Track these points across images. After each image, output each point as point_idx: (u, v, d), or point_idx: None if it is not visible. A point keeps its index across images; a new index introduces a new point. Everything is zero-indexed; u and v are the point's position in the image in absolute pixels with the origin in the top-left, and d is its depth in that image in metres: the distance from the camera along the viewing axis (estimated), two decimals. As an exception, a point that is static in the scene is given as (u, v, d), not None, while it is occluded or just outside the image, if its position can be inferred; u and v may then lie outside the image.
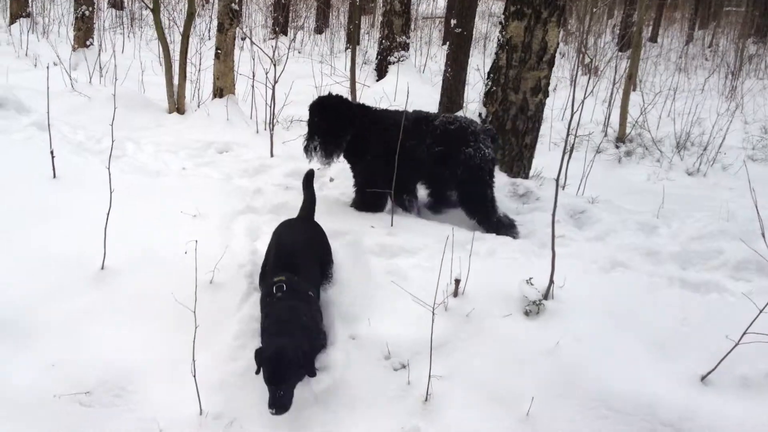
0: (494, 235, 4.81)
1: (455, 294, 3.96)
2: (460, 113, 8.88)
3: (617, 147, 8.24)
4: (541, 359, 3.60)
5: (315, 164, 4.97)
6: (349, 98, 7.83)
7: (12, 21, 14.97)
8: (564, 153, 3.98)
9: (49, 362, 3.40)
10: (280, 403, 3.18)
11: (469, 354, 3.68)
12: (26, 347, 3.48)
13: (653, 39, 21.76)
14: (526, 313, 3.88)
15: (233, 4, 7.88)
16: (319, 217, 4.30)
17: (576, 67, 7.42)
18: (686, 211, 5.41)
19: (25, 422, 3.18)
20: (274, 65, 6.43)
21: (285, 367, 3.20)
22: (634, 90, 10.92)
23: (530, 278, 3.95)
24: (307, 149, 4.97)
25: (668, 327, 3.82)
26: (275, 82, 6.21)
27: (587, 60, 13.65)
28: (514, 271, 4.18)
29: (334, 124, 4.88)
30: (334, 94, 5.05)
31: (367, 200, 5.04)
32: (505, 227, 4.95)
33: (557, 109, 9.57)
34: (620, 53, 13.87)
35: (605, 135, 8.61)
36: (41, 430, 3.17)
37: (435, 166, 4.94)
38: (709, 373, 3.46)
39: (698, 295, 4.19)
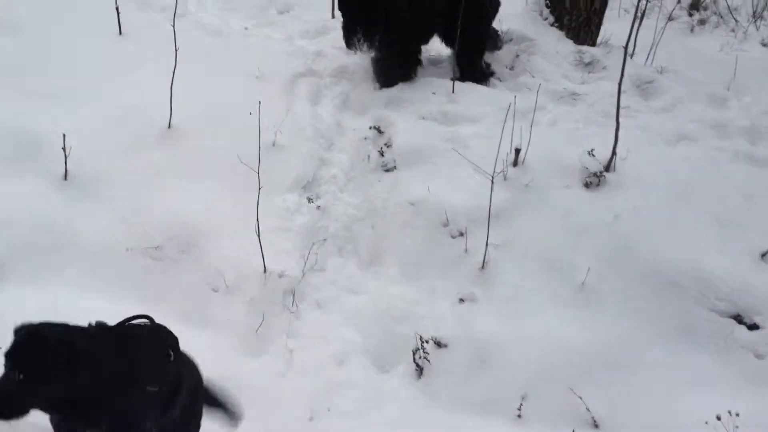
0: (556, 105, 4.68)
1: (515, 163, 3.96)
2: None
3: (690, 15, 7.80)
4: (598, 231, 3.62)
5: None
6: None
7: None
8: (634, 19, 3.83)
9: (120, 217, 3.54)
10: None
11: (526, 224, 3.72)
12: (98, 202, 3.60)
13: None
14: (586, 185, 3.88)
15: None
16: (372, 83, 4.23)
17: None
18: (760, 84, 5.19)
19: (100, 272, 3.35)
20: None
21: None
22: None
23: (592, 149, 3.92)
24: (349, 42, 4.62)
25: (731, 203, 3.79)
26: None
27: None
28: (576, 141, 4.14)
29: (374, 9, 4.51)
30: None
31: (398, 61, 4.79)
32: (486, 75, 4.99)
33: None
34: None
35: (678, 2, 8.16)
36: (115, 280, 3.34)
37: (452, 11, 4.69)
38: (771, 250, 3.45)
39: (765, 171, 4.09)
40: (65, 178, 3.63)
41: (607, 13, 5.70)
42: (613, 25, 6.16)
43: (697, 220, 3.67)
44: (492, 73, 5.02)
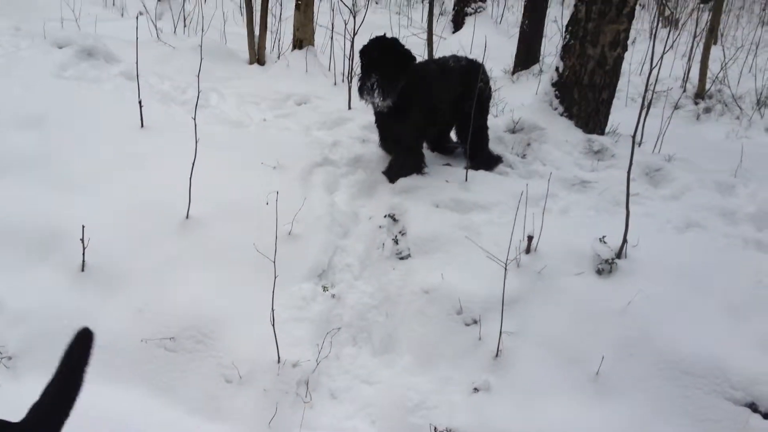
0: (567, 193, 4.79)
1: (527, 251, 4.01)
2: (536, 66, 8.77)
3: (696, 103, 7.98)
4: (612, 318, 3.63)
5: (376, 105, 4.64)
6: (426, 51, 7.87)
7: (98, -31, 15.28)
8: (642, 109, 3.93)
9: (136, 308, 3.59)
10: None
11: (540, 311, 3.73)
12: (116, 293, 3.66)
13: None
14: (599, 272, 3.90)
15: (314, -45, 7.90)
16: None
17: (656, 19, 7.14)
18: (765, 170, 5.26)
19: (115, 364, 3.40)
20: (354, 16, 6.46)
21: None
22: (715, 44, 10.53)
23: (603, 236, 3.96)
24: (362, 89, 4.55)
25: (742, 289, 3.79)
26: (354, 33, 6.24)
27: (667, 12, 13.18)
28: (588, 229, 4.19)
29: (392, 62, 4.54)
30: (387, 35, 4.76)
31: (414, 161, 4.87)
32: (495, 160, 5.13)
33: (635, 64, 9.32)
34: (702, 5, 13.33)
35: (684, 91, 8.36)
36: (129, 371, 3.39)
37: (457, 103, 4.98)
38: (784, 337, 3.44)
39: (775, 258, 4.12)
40: (83, 269, 3.71)
41: (615, 102, 5.85)
42: (621, 114, 6.32)
43: (709, 306, 3.67)
44: (500, 159, 5.15)
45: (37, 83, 5.26)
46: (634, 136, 3.93)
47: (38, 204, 4.03)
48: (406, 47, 4.67)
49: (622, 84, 7.58)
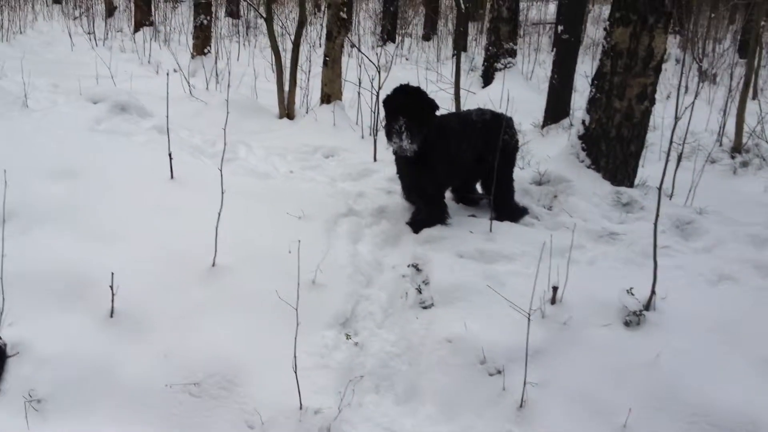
0: (595, 244, 4.76)
1: (553, 301, 3.97)
2: (566, 120, 8.79)
3: (732, 157, 7.91)
4: (640, 371, 3.56)
5: (404, 149, 4.65)
6: (453, 105, 7.96)
7: (136, 29, 15.81)
8: (667, 160, 3.92)
9: (162, 353, 3.61)
10: None
11: (565, 362, 3.68)
12: (141, 338, 3.69)
13: (779, 46, 20.70)
14: (626, 324, 3.85)
15: (341, 13, 8.09)
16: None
17: (686, 72, 7.16)
18: (802, 224, 5.18)
19: (138, 410, 3.39)
20: (379, 72, 6.58)
21: None
22: (753, 98, 10.47)
23: (631, 288, 3.91)
24: (389, 133, 4.63)
25: (775, 343, 3.71)
26: (379, 88, 6.35)
27: (704, 67, 13.20)
28: (615, 280, 4.14)
29: (418, 107, 4.64)
30: (417, 86, 4.83)
31: (438, 212, 4.91)
32: (521, 212, 5.16)
33: (670, 118, 9.29)
34: (740, 60, 13.34)
35: (720, 144, 8.30)
36: (153, 418, 3.38)
37: (483, 155, 5.01)
38: (818, 392, 3.34)
39: (808, 312, 4.02)
40: (111, 315, 3.74)
41: (648, 155, 5.84)
42: (654, 167, 6.29)
43: (740, 360, 3.59)
44: (527, 211, 5.17)
45: (71, 137, 5.42)
46: (660, 187, 3.91)
47: (68, 252, 4.10)
48: (429, 96, 4.77)
49: (655, 138, 7.60)
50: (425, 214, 4.90)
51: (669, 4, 5.26)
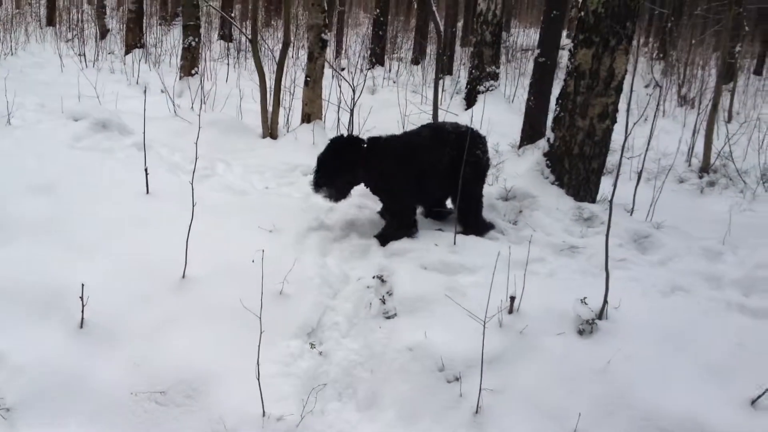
0: (556, 257, 4.91)
1: (510, 311, 4.10)
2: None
3: (700, 177, 8.13)
4: (591, 377, 3.68)
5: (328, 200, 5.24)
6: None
7: (127, 51, 15.99)
8: (617, 176, 4.09)
9: (132, 362, 3.73)
10: None
11: (521, 369, 3.79)
12: (111, 348, 3.80)
13: (758, 72, 21.07)
14: (580, 332, 3.98)
15: (323, 35, 8.29)
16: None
17: (664, 96, 7.37)
18: (757, 238, 5.35)
19: (106, 418, 3.51)
20: (353, 90, 6.76)
21: None
22: (729, 122, 10.68)
23: (584, 298, 4.05)
24: (315, 186, 5.19)
25: (723, 351, 3.84)
26: (353, 106, 6.53)
27: (683, 91, 13.47)
28: (571, 291, 4.27)
29: (339, 166, 5.12)
30: (346, 135, 5.38)
31: (405, 225, 5.16)
32: (487, 227, 5.34)
33: (643, 138, 9.48)
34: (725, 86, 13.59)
35: (689, 165, 8.51)
36: (119, 425, 3.50)
37: (452, 171, 5.15)
38: (760, 396, 3.47)
39: (757, 321, 4.18)
40: (81, 326, 3.86)
41: (621, 175, 6.00)
42: (626, 187, 6.45)
43: (689, 367, 3.72)
44: (492, 226, 5.33)
45: (51, 153, 5.56)
46: (611, 200, 4.07)
47: (44, 265, 4.22)
48: (360, 141, 5.20)
49: (628, 158, 7.78)
50: (392, 228, 5.11)
51: (630, 27, 5.46)
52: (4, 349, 3.69)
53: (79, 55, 14.48)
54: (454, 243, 4.85)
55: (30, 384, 3.56)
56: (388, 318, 4.25)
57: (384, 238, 5.07)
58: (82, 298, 3.77)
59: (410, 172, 5.08)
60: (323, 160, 5.18)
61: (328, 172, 5.14)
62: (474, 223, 5.26)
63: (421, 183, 5.14)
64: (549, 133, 5.92)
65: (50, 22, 20.96)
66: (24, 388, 3.54)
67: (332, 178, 5.13)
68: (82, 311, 3.83)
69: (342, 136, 5.32)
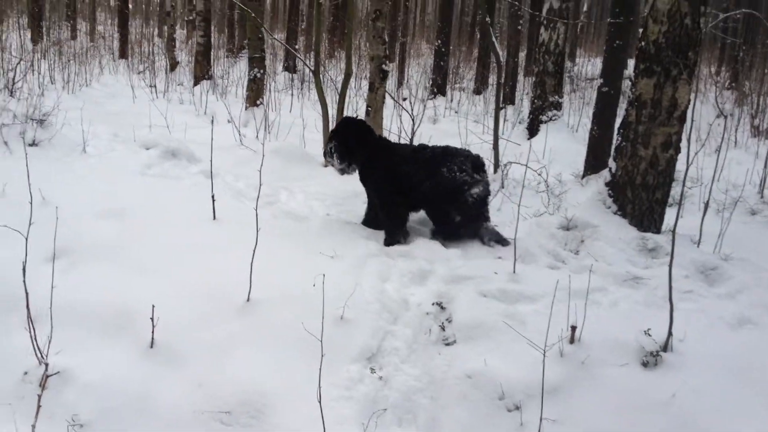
0: (618, 287, 4.86)
1: (571, 340, 4.07)
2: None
3: (774, 209, 7.90)
4: (655, 409, 3.63)
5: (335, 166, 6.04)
6: (492, 155, 8.17)
7: (196, 82, 16.46)
8: (680, 205, 4.04)
9: (197, 382, 3.80)
10: None
11: (582, 400, 3.76)
12: (178, 368, 3.89)
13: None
14: (643, 364, 3.92)
15: (384, 66, 8.43)
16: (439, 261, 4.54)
17: (735, 127, 7.21)
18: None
19: (173, 434, 3.58)
20: (413, 120, 6.85)
21: None
22: (802, 152, 10.38)
23: (648, 329, 4.00)
24: (325, 153, 6.04)
25: (792, 385, 3.75)
26: (412, 135, 6.61)
27: (756, 122, 13.16)
28: (634, 322, 4.22)
29: (349, 134, 5.90)
30: (358, 118, 6.20)
31: (395, 224, 5.74)
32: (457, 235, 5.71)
33: (712, 169, 9.28)
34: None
35: (761, 197, 8.29)
36: (187, 443, 3.57)
37: (425, 189, 5.70)
38: (832, 434, 3.38)
39: (830, 356, 4.05)
40: (151, 346, 3.97)
41: (688, 206, 5.92)
42: (692, 217, 6.36)
43: (756, 401, 3.63)
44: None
45: (122, 179, 5.77)
46: (674, 230, 4.03)
47: (114, 286, 4.37)
48: (366, 125, 6.05)
49: (695, 189, 7.66)
50: (388, 228, 5.75)
51: (692, 57, 5.42)
52: (76, 367, 3.79)
53: (150, 86, 14.97)
54: (514, 271, 4.84)
55: (100, 401, 3.65)
56: (448, 344, 4.27)
57: (387, 241, 5.65)
58: (152, 318, 3.88)
59: (391, 176, 5.73)
60: (335, 134, 6.00)
61: (337, 146, 5.92)
62: (441, 231, 5.79)
63: (399, 189, 5.73)
64: (611, 163, 5.88)
65: (123, 55, 21.74)
66: (95, 405, 3.63)
67: (341, 153, 5.92)
68: (152, 332, 3.94)
69: (356, 118, 6.21)
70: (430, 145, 6.02)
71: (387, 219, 5.78)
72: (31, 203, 3.93)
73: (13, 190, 5.14)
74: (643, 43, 5.62)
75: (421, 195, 5.71)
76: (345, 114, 8.66)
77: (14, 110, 7.07)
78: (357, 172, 6.08)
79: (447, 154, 5.77)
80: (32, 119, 7.03)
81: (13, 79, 9.34)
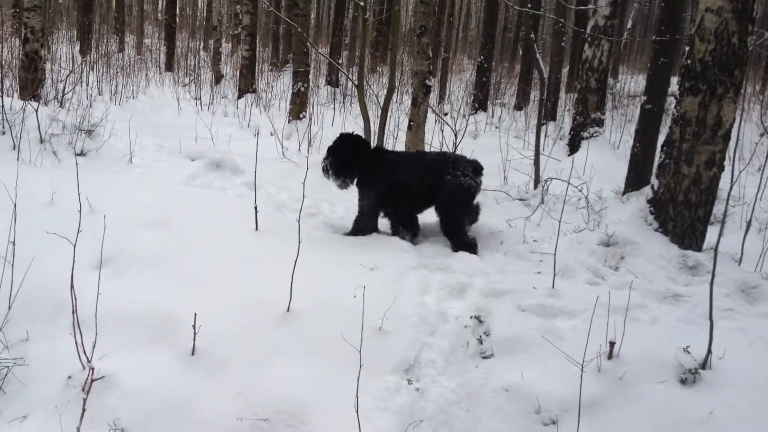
0: (658, 304, 4.84)
1: (609, 356, 4.07)
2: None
3: (822, 229, 7.77)
4: (693, 427, 3.61)
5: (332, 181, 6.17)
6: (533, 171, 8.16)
7: (240, 95, 16.74)
8: (722, 224, 4.02)
9: (237, 391, 3.88)
10: None
11: (620, 415, 3.75)
12: (218, 376, 3.98)
13: None
14: (682, 381, 3.91)
15: (427, 81, 8.50)
16: (477, 274, 4.57)
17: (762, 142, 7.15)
18: None
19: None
20: (455, 134, 6.90)
21: None
22: None
23: (687, 346, 3.98)
24: (323, 169, 6.16)
25: (834, 406, 3.70)
26: (454, 150, 6.66)
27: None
28: (674, 339, 4.21)
29: (346, 155, 6.05)
30: (354, 134, 6.27)
31: (362, 225, 6.00)
32: (468, 246, 5.78)
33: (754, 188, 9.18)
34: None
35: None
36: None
37: (427, 195, 5.93)
38: None
39: None
40: (193, 353, 4.07)
41: (730, 224, 5.87)
42: (735, 236, 6.29)
43: (797, 421, 3.60)
44: (474, 245, 5.82)
45: (167, 190, 5.91)
46: (716, 248, 4.01)
47: (157, 294, 4.49)
48: (361, 140, 6.23)
49: (738, 207, 7.58)
50: (353, 228, 6.06)
51: (738, 76, 5.39)
52: (118, 372, 3.90)
53: (195, 98, 15.26)
54: (553, 286, 4.85)
55: (141, 406, 3.75)
56: (485, 358, 4.29)
57: (349, 234, 6.02)
58: (194, 326, 3.97)
59: (385, 185, 5.95)
60: (330, 151, 6.16)
61: (333, 163, 6.11)
62: (457, 243, 5.82)
63: (393, 196, 6.00)
64: (653, 180, 5.86)
65: (169, 67, 22.18)
66: (136, 410, 3.73)
67: (336, 169, 6.10)
68: (194, 339, 4.03)
69: (351, 134, 6.27)
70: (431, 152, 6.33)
71: (359, 223, 6.04)
72: (80, 212, 4.06)
73: (62, 198, 5.29)
74: (689, 61, 5.60)
75: (428, 199, 5.96)
76: (386, 127, 8.75)
77: (64, 120, 7.31)
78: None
79: (453, 160, 5.97)
80: (81, 130, 7.26)
81: (63, 90, 9.59)
